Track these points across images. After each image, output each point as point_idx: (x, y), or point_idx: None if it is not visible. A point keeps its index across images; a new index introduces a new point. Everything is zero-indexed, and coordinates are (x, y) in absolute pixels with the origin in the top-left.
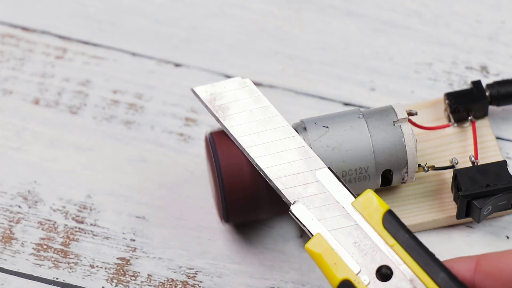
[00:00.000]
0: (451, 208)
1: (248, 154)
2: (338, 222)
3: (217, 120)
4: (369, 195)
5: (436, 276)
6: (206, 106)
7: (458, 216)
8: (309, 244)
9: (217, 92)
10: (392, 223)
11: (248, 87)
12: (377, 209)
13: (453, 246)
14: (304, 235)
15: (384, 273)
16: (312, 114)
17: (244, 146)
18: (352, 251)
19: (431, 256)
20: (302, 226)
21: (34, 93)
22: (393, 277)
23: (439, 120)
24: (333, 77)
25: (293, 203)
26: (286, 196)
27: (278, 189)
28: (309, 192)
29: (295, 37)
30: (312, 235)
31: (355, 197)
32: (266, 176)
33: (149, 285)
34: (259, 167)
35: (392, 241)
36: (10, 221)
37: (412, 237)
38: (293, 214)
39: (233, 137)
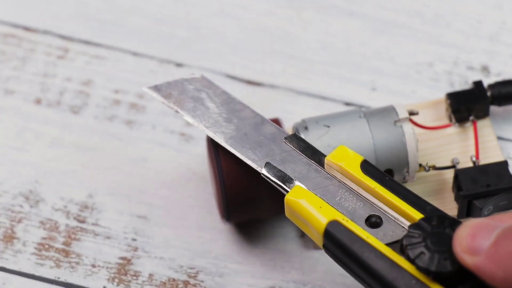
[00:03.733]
0: (452, 208)
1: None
2: (317, 181)
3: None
4: (342, 147)
5: (423, 208)
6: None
7: (459, 216)
8: (289, 194)
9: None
10: (371, 169)
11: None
12: (353, 159)
13: None
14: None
15: (374, 222)
16: (313, 114)
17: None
18: (337, 204)
19: (413, 194)
20: (277, 186)
21: (35, 92)
22: (383, 224)
23: (440, 120)
24: (334, 77)
25: (264, 166)
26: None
27: (246, 158)
28: (277, 156)
29: (296, 37)
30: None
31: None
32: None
33: (151, 285)
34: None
35: (374, 183)
36: (11, 221)
37: (392, 179)
38: (265, 176)
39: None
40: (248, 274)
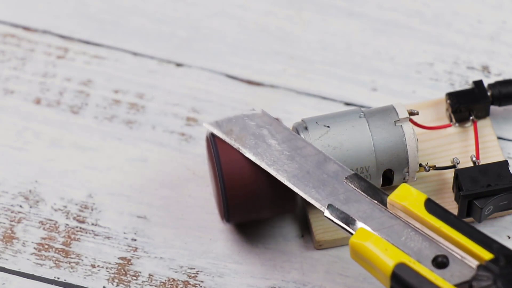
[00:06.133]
0: (452, 208)
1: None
2: (381, 221)
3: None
4: (405, 186)
5: (490, 246)
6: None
7: (459, 216)
8: (354, 237)
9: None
10: (435, 208)
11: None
12: (417, 198)
13: None
14: (305, 234)
15: (440, 262)
16: (313, 114)
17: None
18: (402, 244)
19: (479, 231)
20: (341, 228)
21: (35, 92)
22: (450, 264)
23: (441, 120)
24: (334, 77)
25: (327, 207)
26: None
27: (309, 198)
28: (341, 195)
29: (296, 37)
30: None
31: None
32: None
33: (150, 285)
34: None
35: (439, 223)
36: (11, 221)
37: (456, 217)
38: (328, 218)
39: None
40: (248, 274)
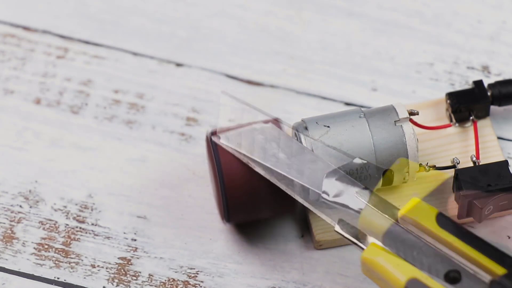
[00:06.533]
0: (453, 208)
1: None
2: (393, 236)
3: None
4: (415, 200)
5: (502, 261)
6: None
7: (459, 216)
8: (365, 253)
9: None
10: (447, 222)
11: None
12: (428, 212)
13: None
14: (305, 234)
15: (453, 277)
16: (313, 114)
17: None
18: (414, 259)
19: (491, 246)
20: (351, 243)
21: (35, 92)
22: (462, 279)
23: (441, 120)
24: (334, 77)
25: (338, 222)
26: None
27: (319, 212)
28: (352, 211)
29: (296, 37)
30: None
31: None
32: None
33: (150, 285)
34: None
35: (451, 237)
36: (11, 221)
37: (469, 232)
38: (338, 232)
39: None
40: (248, 274)
